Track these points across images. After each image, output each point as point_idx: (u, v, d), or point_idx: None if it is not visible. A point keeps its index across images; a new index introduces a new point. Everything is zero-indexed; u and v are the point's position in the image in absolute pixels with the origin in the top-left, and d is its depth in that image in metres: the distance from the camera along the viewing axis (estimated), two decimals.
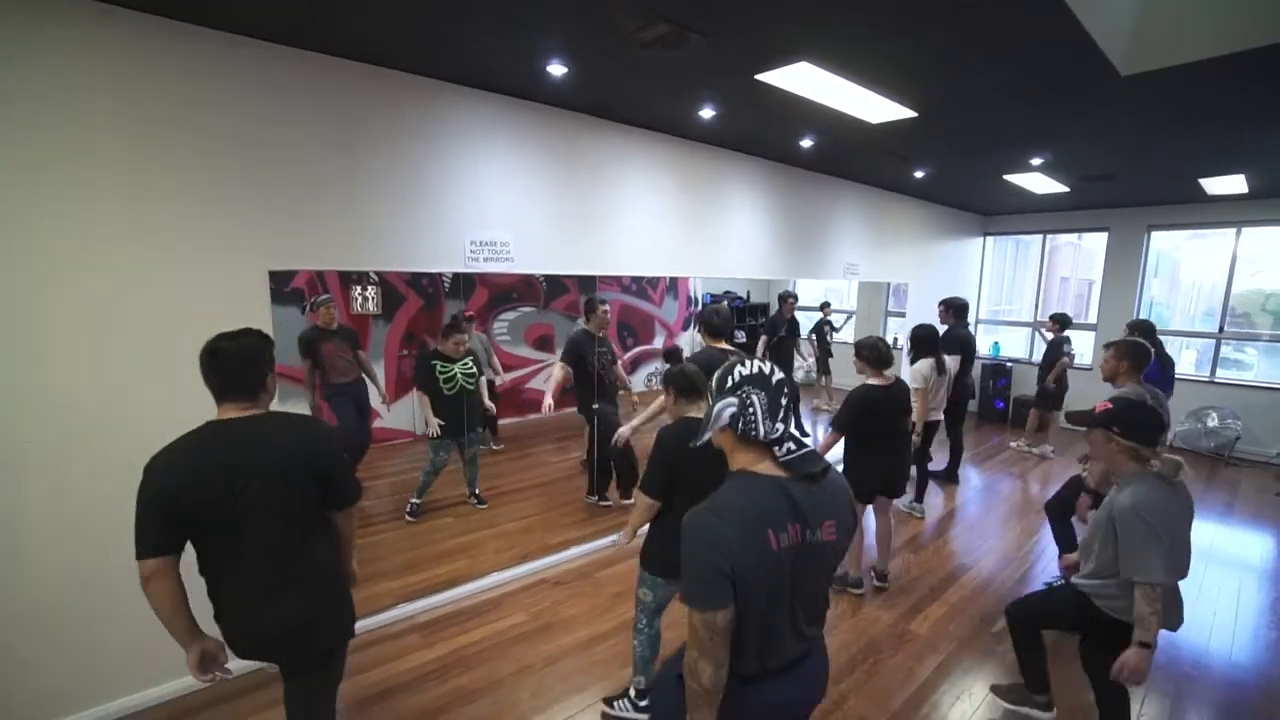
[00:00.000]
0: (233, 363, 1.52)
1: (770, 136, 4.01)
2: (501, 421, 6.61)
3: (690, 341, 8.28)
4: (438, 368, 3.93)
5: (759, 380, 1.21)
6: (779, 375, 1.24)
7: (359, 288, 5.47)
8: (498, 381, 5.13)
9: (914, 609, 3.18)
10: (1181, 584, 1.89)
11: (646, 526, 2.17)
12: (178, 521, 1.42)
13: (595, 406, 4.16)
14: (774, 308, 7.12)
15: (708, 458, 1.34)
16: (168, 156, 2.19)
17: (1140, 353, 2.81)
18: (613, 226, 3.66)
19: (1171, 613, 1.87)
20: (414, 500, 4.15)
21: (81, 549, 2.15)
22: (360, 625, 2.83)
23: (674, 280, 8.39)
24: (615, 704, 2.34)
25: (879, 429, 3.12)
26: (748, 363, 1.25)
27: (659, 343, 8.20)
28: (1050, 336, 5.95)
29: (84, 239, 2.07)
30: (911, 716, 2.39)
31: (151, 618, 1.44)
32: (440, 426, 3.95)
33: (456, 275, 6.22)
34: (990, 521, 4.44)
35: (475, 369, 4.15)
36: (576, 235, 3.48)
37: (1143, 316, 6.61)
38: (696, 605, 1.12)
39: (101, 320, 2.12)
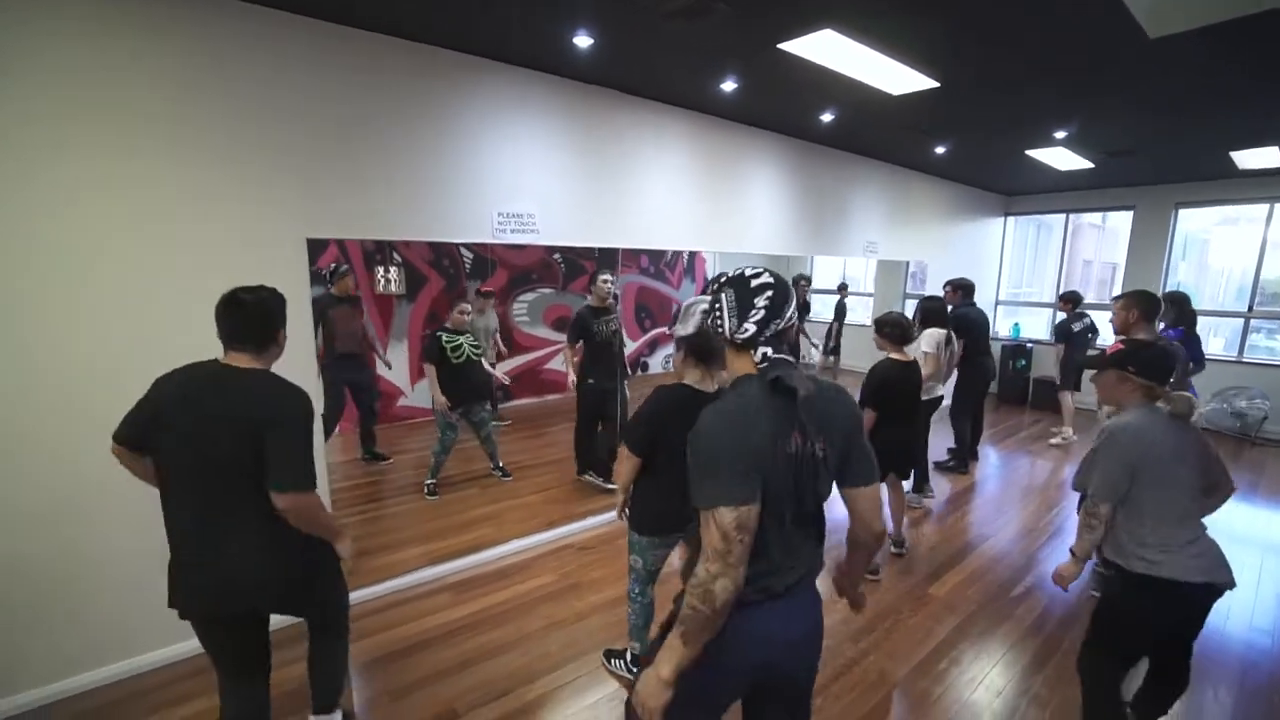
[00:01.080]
0: (247, 315, 1.57)
1: (790, 110, 4.02)
2: (520, 402, 6.72)
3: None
4: (444, 339, 3.95)
5: (736, 281, 1.20)
6: (764, 279, 1.19)
7: (382, 268, 5.58)
8: (498, 370, 5.07)
9: (932, 575, 3.23)
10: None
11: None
12: (148, 426, 1.53)
13: (590, 381, 4.14)
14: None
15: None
16: (210, 125, 2.28)
17: (1147, 300, 2.78)
18: (635, 200, 3.70)
19: (1213, 558, 1.71)
20: (429, 481, 4.18)
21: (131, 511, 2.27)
22: (392, 585, 2.99)
23: (691, 262, 8.41)
24: (614, 661, 2.42)
25: (897, 406, 3.10)
26: (740, 268, 1.23)
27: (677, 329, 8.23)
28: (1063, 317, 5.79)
29: (128, 207, 2.16)
30: (930, 671, 2.45)
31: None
32: (451, 398, 3.94)
33: (477, 256, 6.31)
34: (1009, 495, 4.44)
35: (481, 343, 4.18)
36: (599, 209, 3.54)
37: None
38: (723, 501, 1.06)
39: (143, 287, 2.23)
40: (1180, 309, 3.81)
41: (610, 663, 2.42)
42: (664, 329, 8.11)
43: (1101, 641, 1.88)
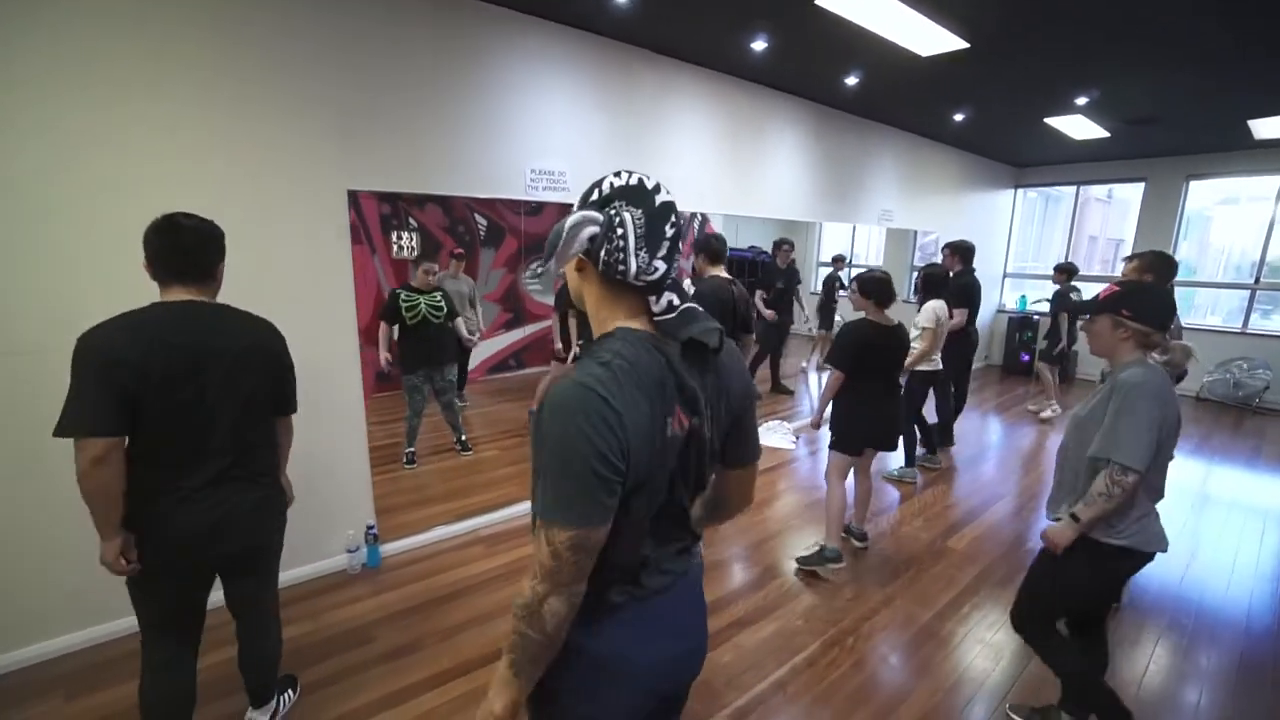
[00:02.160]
0: (191, 241, 1.43)
1: (816, 73, 3.99)
2: (533, 369, 6.75)
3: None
4: (401, 297, 3.71)
5: (637, 194, 0.86)
6: (666, 196, 0.87)
7: (398, 233, 5.56)
8: (475, 339, 4.66)
9: (950, 529, 3.32)
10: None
11: None
12: (129, 398, 1.32)
13: (577, 347, 3.72)
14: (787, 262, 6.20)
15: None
16: (249, 76, 2.26)
17: (1163, 263, 2.62)
18: (661, 162, 3.70)
19: (1156, 530, 1.63)
20: (407, 449, 3.97)
21: None
22: (424, 538, 3.06)
23: (702, 232, 8.38)
24: None
25: (877, 372, 2.78)
26: (624, 172, 0.89)
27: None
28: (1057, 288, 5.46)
29: (172, 154, 2.16)
30: (954, 614, 2.55)
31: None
32: (406, 360, 3.77)
33: (491, 222, 6.28)
34: (1014, 462, 4.55)
35: (444, 305, 3.87)
36: (624, 168, 3.53)
37: (1178, 274, 6.54)
38: (564, 520, 0.79)
39: None
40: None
41: None
42: None
43: (1049, 608, 1.79)
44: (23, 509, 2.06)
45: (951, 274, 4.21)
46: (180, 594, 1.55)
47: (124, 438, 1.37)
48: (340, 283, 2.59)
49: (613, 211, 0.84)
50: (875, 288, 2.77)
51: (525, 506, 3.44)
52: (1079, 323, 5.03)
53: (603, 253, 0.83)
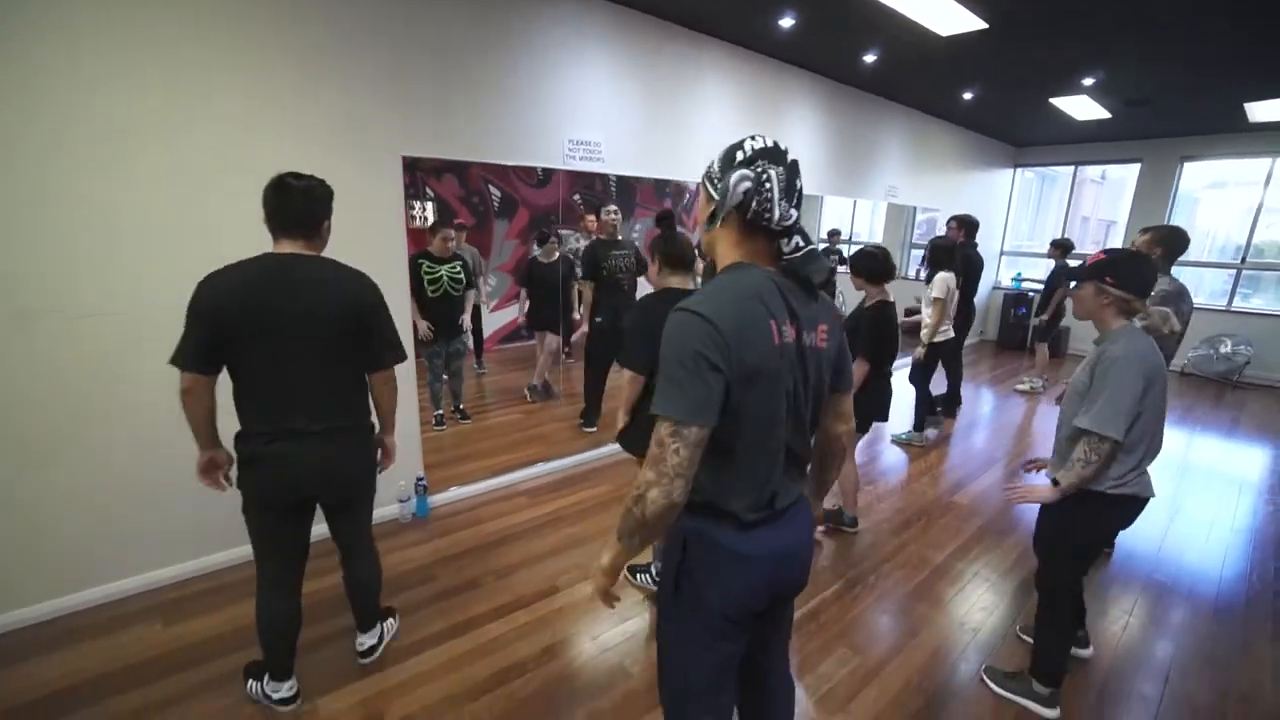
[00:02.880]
0: (298, 199, 1.57)
1: (838, 50, 4.11)
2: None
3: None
4: (424, 267, 3.68)
5: (774, 154, 1.02)
6: (792, 155, 1.05)
7: (416, 203, 5.62)
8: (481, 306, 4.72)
9: (955, 486, 3.57)
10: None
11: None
12: (224, 342, 1.49)
13: (599, 320, 3.93)
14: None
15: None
16: (312, 39, 2.35)
17: (1175, 238, 2.66)
18: (687, 134, 3.82)
19: (1148, 479, 1.75)
20: (436, 412, 3.99)
21: None
22: (469, 490, 3.25)
23: None
24: (639, 575, 2.49)
25: (890, 350, 2.77)
26: (759, 136, 1.05)
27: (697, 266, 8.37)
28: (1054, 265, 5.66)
29: (234, 126, 2.26)
30: (965, 556, 2.79)
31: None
32: (429, 329, 3.75)
33: (504, 194, 6.35)
34: (1009, 431, 4.81)
35: (463, 275, 3.92)
36: (657, 140, 3.66)
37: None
38: (669, 412, 0.94)
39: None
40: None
41: (635, 578, 2.49)
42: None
43: (1069, 557, 1.87)
44: (107, 454, 2.20)
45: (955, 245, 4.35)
46: (279, 524, 1.70)
47: (211, 376, 1.54)
48: (395, 246, 2.72)
49: (760, 169, 0.99)
50: (880, 266, 2.70)
51: (562, 462, 3.63)
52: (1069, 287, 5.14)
53: (754, 203, 0.99)
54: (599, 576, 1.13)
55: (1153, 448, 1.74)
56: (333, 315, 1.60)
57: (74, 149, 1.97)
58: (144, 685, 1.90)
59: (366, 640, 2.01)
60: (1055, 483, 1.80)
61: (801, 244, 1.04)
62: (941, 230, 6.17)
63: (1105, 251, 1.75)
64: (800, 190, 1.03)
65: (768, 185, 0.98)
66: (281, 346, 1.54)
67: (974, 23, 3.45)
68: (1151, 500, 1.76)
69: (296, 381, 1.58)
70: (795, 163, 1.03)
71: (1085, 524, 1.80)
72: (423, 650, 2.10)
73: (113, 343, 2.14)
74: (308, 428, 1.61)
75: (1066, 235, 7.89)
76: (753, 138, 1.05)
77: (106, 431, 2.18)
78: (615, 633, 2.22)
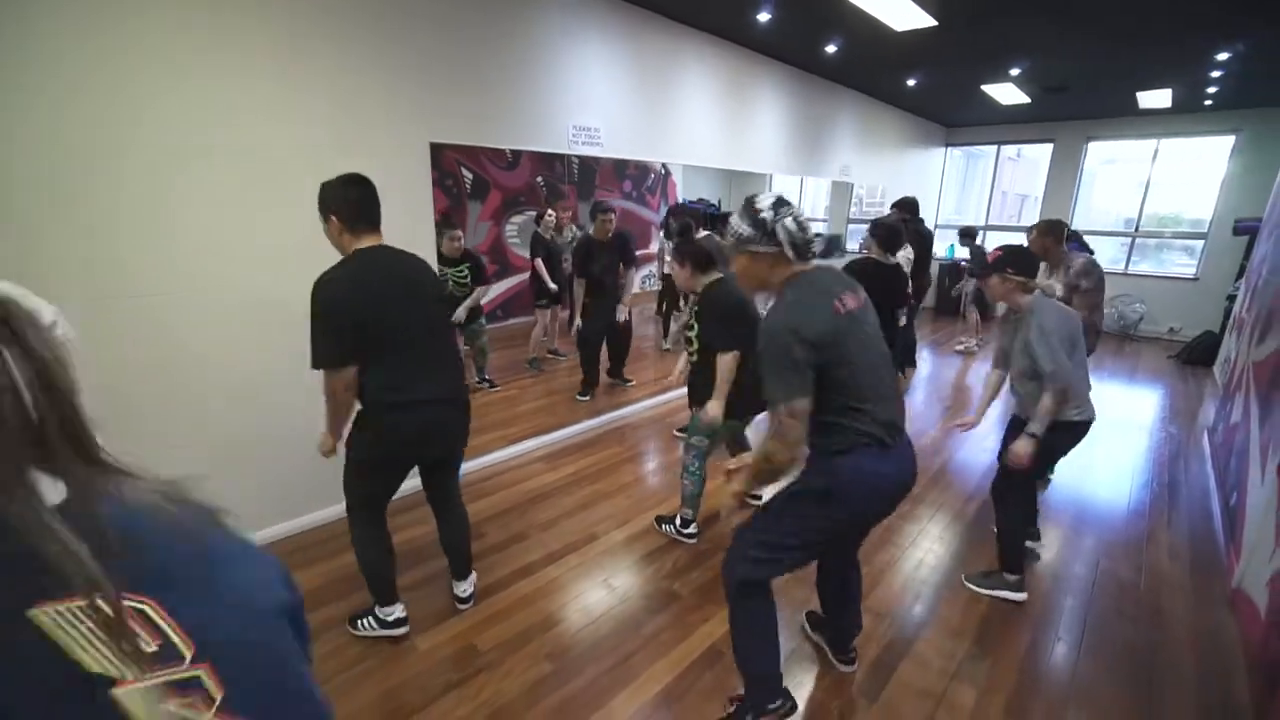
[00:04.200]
0: (374, 194, 1.75)
1: (804, 40, 4.45)
2: (519, 319, 7.00)
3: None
4: (445, 274, 3.86)
5: (785, 204, 1.50)
6: (804, 216, 1.53)
7: None
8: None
9: (919, 433, 4.10)
10: (1096, 426, 2.25)
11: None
12: (360, 333, 1.67)
13: (590, 319, 4.30)
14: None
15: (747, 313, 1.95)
16: (349, 34, 2.46)
17: (1055, 226, 3.20)
18: (671, 119, 4.08)
19: (1088, 408, 2.23)
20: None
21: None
22: (488, 460, 3.47)
23: (665, 186, 8.77)
24: (664, 525, 2.76)
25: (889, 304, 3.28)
26: (762, 195, 1.52)
27: (654, 247, 8.67)
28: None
29: (273, 119, 2.36)
30: (934, 486, 3.29)
31: None
32: None
33: (476, 176, 6.39)
34: (949, 384, 5.44)
35: (469, 275, 4.05)
36: (649, 125, 3.91)
37: (1075, 226, 7.76)
38: (784, 399, 1.39)
39: (279, 187, 2.46)
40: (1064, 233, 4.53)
41: (661, 527, 2.78)
42: (642, 251, 8.52)
43: (1026, 478, 2.32)
44: (201, 416, 2.31)
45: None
46: (395, 480, 1.95)
47: (355, 367, 1.73)
48: (425, 230, 2.87)
49: (788, 220, 1.48)
50: (889, 234, 3.40)
51: (566, 431, 3.89)
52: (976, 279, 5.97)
53: (800, 243, 1.49)
54: (732, 499, 1.68)
55: (1085, 374, 2.27)
56: (431, 296, 1.86)
57: (138, 147, 2.04)
58: None
59: (466, 588, 2.25)
60: (1031, 434, 2.17)
61: (820, 264, 1.56)
62: (881, 209, 6.75)
63: (1000, 249, 2.27)
64: (818, 234, 1.52)
65: (801, 229, 1.49)
66: (405, 327, 1.76)
67: (926, 20, 3.87)
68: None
69: (422, 356, 1.80)
70: (806, 220, 1.53)
71: (1047, 446, 2.25)
72: (494, 593, 2.35)
73: (174, 319, 2.23)
74: (436, 395, 1.84)
75: (991, 208, 8.75)
76: (759, 198, 1.52)
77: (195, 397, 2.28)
78: (655, 568, 2.55)
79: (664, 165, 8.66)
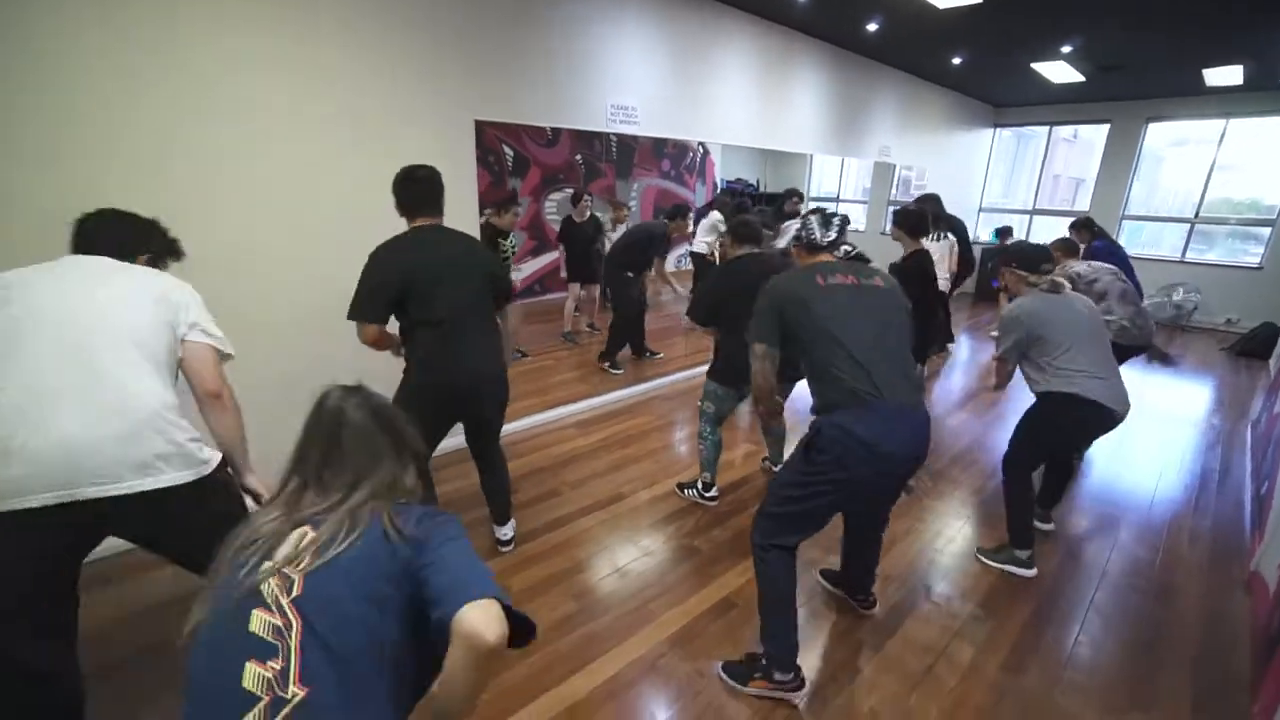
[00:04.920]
0: (427, 185, 2.01)
1: (843, 18, 4.43)
2: (556, 294, 7.19)
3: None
4: (499, 243, 4.19)
5: (817, 211, 1.86)
6: (831, 210, 1.85)
7: None
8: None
9: (952, 409, 4.13)
10: (1137, 419, 2.43)
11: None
12: (392, 299, 1.92)
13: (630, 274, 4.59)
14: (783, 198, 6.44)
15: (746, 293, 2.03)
16: (394, 18, 2.63)
17: (1065, 245, 3.58)
18: (708, 99, 4.15)
19: (1104, 391, 2.23)
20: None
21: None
22: (524, 424, 3.67)
23: (704, 165, 8.79)
24: (686, 490, 2.92)
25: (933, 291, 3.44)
26: (812, 212, 1.86)
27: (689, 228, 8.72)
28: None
29: (323, 104, 2.56)
30: (964, 458, 3.35)
31: None
32: None
33: (517, 153, 6.57)
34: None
35: (512, 246, 4.48)
36: (684, 104, 3.99)
37: (1132, 212, 7.54)
38: (755, 339, 1.75)
39: (344, 157, 2.66)
40: (1090, 228, 4.45)
41: (682, 492, 2.93)
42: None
43: (1027, 441, 2.46)
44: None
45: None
46: (426, 435, 2.15)
47: (385, 322, 1.99)
48: (469, 209, 3.05)
49: (805, 220, 1.85)
50: (906, 220, 3.27)
51: (599, 400, 4.07)
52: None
53: (802, 235, 1.84)
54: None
55: (1093, 361, 2.25)
56: (476, 269, 2.07)
57: (218, 131, 2.26)
58: None
59: (507, 531, 2.47)
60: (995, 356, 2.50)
61: (850, 250, 1.85)
62: (934, 188, 6.68)
63: (1007, 248, 2.64)
64: (840, 227, 1.83)
65: (808, 225, 1.83)
66: (445, 300, 1.98)
67: None
68: (1116, 416, 2.27)
69: (461, 329, 2.02)
70: (834, 215, 1.84)
71: (1044, 417, 2.36)
72: (528, 541, 2.56)
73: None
74: (472, 366, 2.07)
75: (1040, 192, 8.47)
76: (807, 214, 1.87)
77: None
78: (678, 525, 2.71)
79: (702, 144, 8.67)
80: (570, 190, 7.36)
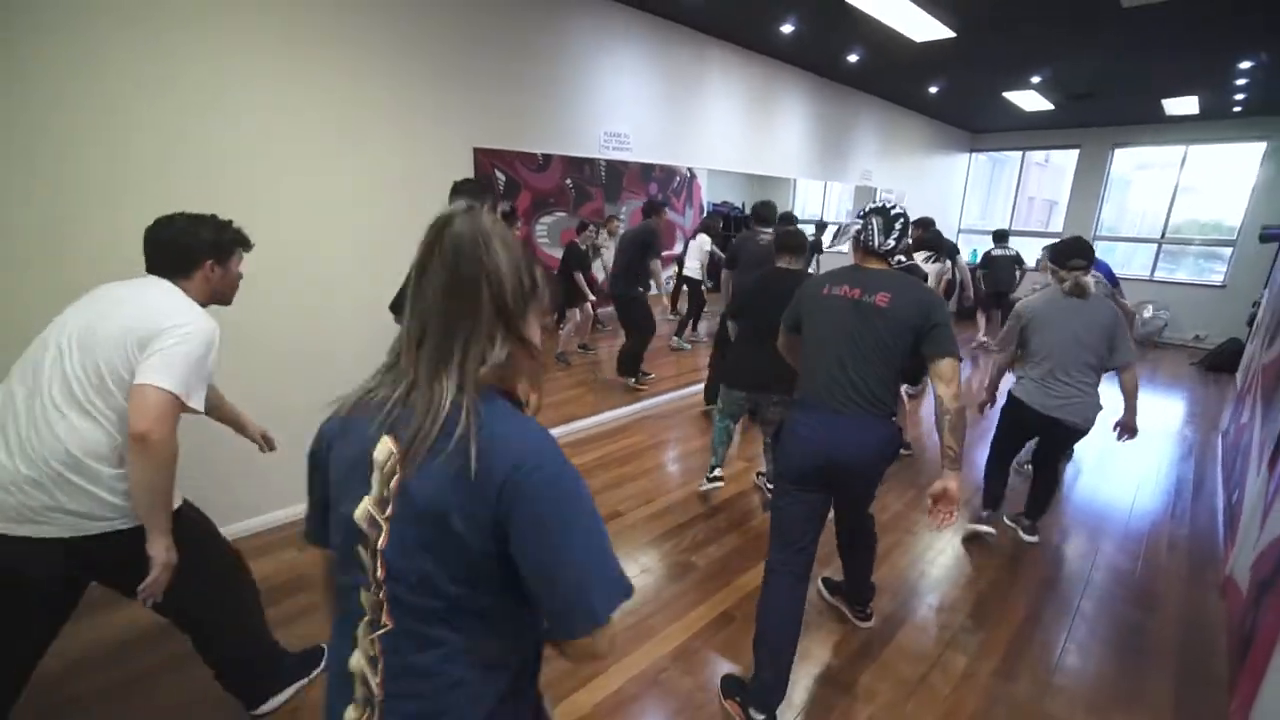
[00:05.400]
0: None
1: (825, 50, 4.63)
2: None
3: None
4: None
5: (879, 211, 1.77)
6: (898, 210, 1.75)
7: None
8: None
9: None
10: (1106, 433, 2.65)
11: None
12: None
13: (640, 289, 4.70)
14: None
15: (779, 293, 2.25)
16: (400, 50, 2.73)
17: (924, 221, 4.05)
18: (696, 126, 4.30)
19: (1074, 408, 2.51)
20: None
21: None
22: None
23: (690, 189, 8.98)
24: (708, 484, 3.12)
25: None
26: (870, 203, 1.82)
27: (678, 248, 8.87)
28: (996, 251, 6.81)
29: (333, 132, 2.64)
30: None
31: None
32: None
33: (508, 177, 6.68)
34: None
35: None
36: (674, 132, 4.13)
37: (1103, 232, 7.84)
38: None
39: (356, 177, 2.73)
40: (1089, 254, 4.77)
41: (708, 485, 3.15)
42: (667, 252, 8.74)
43: (998, 438, 2.85)
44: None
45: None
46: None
47: None
48: None
49: (866, 219, 1.79)
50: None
51: (595, 419, 4.12)
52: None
53: (860, 238, 1.80)
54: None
55: (1059, 366, 2.51)
56: None
57: (238, 153, 2.32)
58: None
59: None
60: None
61: (904, 260, 1.87)
62: (914, 212, 6.88)
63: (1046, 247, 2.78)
64: (899, 230, 1.76)
65: (868, 228, 1.78)
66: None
67: (944, 32, 4.02)
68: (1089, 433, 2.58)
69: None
70: (897, 214, 1.77)
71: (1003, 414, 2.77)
72: None
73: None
74: None
75: (1015, 214, 8.78)
76: (870, 216, 1.81)
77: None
78: (674, 543, 2.75)
79: (689, 169, 8.87)
80: (561, 214, 7.50)
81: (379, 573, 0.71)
